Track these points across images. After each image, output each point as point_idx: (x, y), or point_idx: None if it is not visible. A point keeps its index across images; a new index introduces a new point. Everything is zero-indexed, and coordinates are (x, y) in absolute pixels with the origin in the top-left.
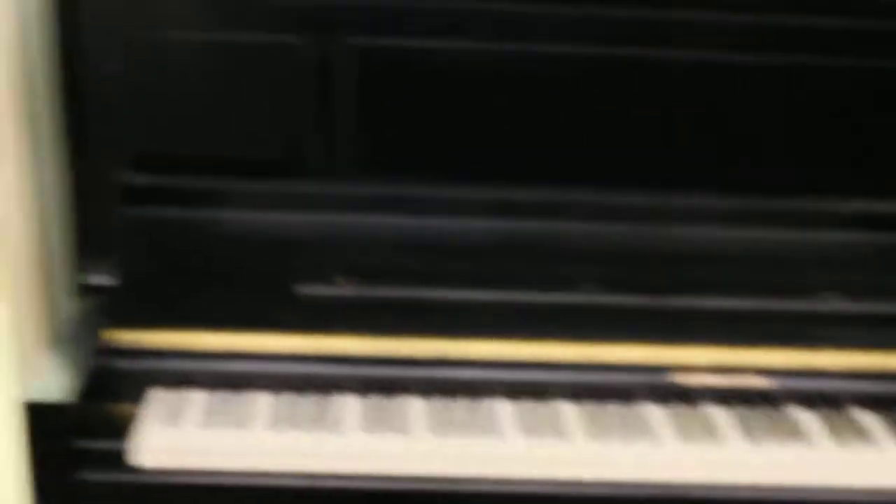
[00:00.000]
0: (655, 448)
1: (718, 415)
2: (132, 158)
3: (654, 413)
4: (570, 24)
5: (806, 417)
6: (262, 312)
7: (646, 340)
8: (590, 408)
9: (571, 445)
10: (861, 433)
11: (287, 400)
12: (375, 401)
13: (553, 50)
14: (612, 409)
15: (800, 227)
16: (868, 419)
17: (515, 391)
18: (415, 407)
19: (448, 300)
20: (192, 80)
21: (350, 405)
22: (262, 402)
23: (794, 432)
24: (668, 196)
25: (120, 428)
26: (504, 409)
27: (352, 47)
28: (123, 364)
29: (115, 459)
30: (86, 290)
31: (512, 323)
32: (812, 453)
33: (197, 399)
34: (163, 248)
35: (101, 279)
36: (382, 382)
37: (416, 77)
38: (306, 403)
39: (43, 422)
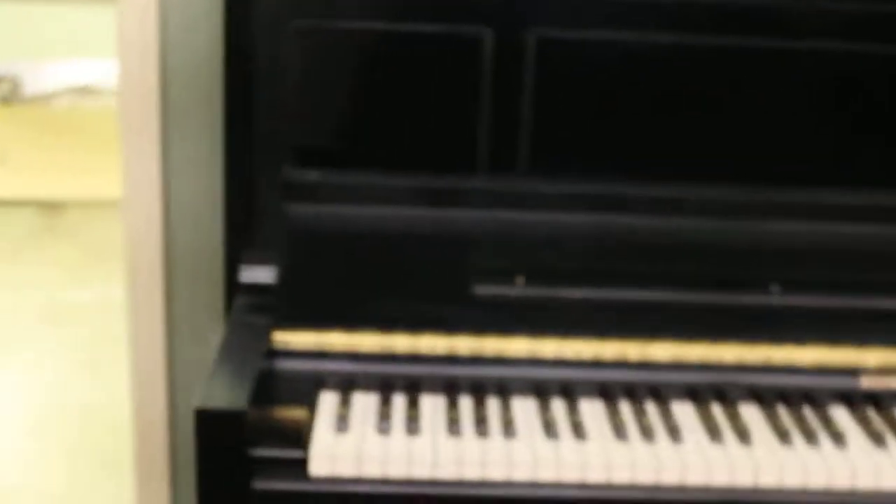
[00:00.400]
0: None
1: None
2: (298, 153)
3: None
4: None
5: None
6: (435, 312)
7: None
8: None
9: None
10: None
11: (461, 404)
12: (551, 403)
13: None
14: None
15: None
16: None
17: (695, 392)
18: (588, 411)
19: (627, 300)
20: (363, 72)
21: (524, 408)
22: (432, 407)
23: None
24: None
25: (292, 435)
26: (684, 412)
27: (531, 39)
28: (290, 366)
29: (289, 468)
30: (245, 289)
31: (689, 324)
32: None
33: (368, 403)
34: (329, 246)
35: (260, 276)
36: (557, 384)
37: (596, 70)
38: (479, 408)
39: (215, 429)
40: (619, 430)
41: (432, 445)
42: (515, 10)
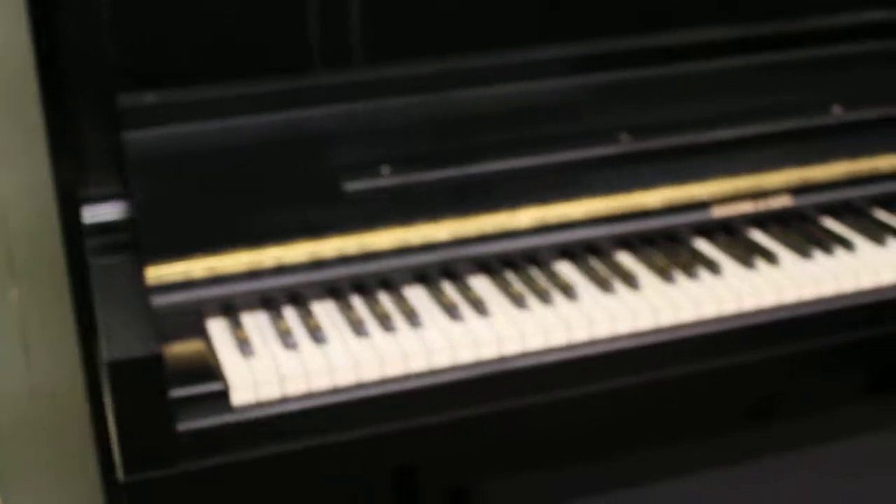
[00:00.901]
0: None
1: (763, 238)
2: (121, 78)
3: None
4: None
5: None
6: (306, 217)
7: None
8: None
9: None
10: None
11: (351, 304)
12: (442, 286)
13: None
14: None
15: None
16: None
17: (571, 250)
18: (479, 286)
19: (488, 172)
20: None
21: (416, 295)
22: (325, 313)
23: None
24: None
25: (202, 369)
26: (566, 269)
27: None
28: (168, 301)
29: (210, 403)
30: (91, 231)
31: (551, 185)
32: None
33: (260, 322)
34: (179, 169)
35: (106, 214)
36: (442, 266)
37: None
38: (374, 304)
39: (134, 379)
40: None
41: (346, 350)
42: None
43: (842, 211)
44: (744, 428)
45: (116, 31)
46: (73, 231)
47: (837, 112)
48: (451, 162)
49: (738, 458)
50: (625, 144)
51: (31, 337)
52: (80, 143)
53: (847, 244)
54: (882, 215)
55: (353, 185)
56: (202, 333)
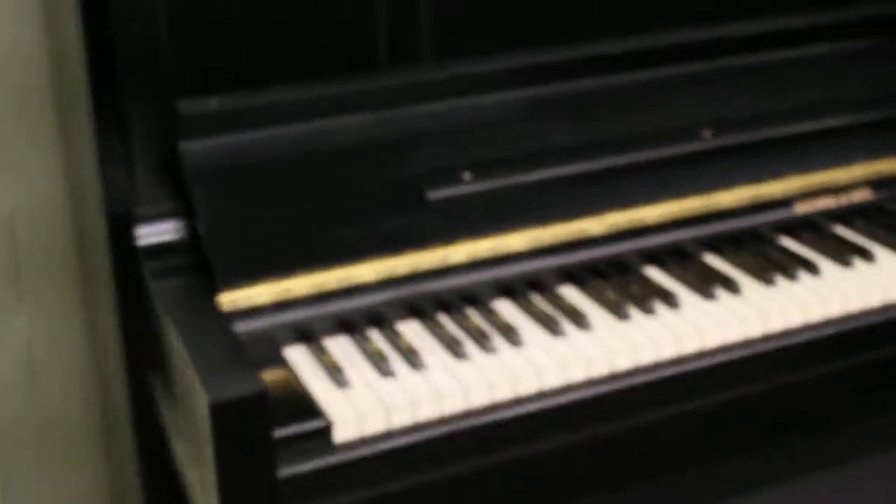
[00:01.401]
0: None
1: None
2: (173, 84)
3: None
4: None
5: None
6: (388, 230)
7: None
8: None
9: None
10: None
11: (441, 321)
12: (530, 298)
13: None
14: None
15: None
16: None
17: (658, 255)
18: (577, 299)
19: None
20: None
21: (509, 310)
22: (413, 333)
23: None
24: None
25: (301, 404)
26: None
27: None
28: (245, 329)
29: (312, 442)
30: (148, 253)
31: (627, 188)
32: None
33: (343, 347)
34: (246, 182)
35: (163, 235)
36: (525, 279)
37: None
38: (464, 321)
39: (239, 421)
40: (620, 312)
41: (450, 374)
42: None
43: None
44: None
45: (173, 28)
46: (123, 251)
47: None
48: (537, 163)
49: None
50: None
51: (38, 360)
52: (132, 153)
53: None
54: None
55: (436, 194)
56: (282, 364)
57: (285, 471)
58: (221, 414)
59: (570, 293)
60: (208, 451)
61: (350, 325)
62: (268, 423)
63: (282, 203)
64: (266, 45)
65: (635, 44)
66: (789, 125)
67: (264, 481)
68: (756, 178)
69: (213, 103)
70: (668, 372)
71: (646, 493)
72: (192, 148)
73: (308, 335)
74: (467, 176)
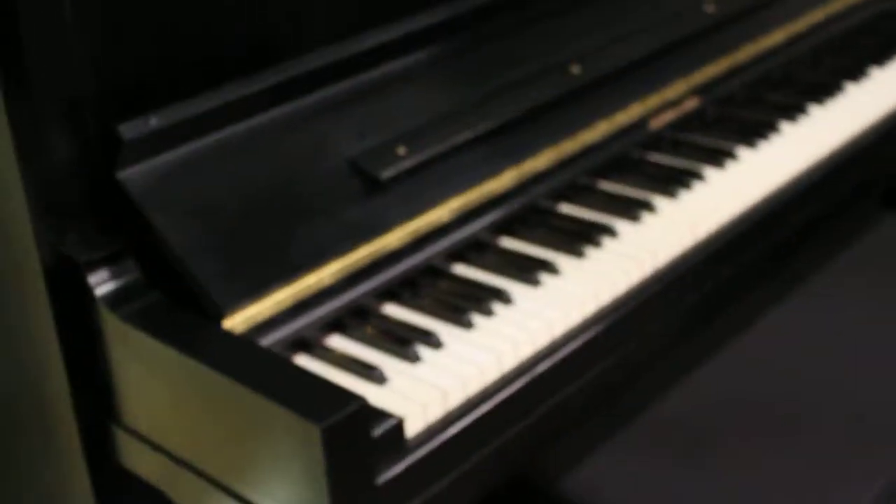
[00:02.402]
0: None
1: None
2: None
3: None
4: None
5: None
6: (350, 218)
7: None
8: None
9: None
10: None
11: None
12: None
13: None
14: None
15: None
16: None
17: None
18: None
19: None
20: None
21: (474, 272)
22: (406, 316)
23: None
24: None
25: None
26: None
27: None
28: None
29: (390, 442)
30: (113, 299)
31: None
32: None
33: (350, 345)
34: (199, 201)
35: (121, 278)
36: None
37: None
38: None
39: (348, 440)
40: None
41: (472, 345)
42: None
43: None
44: None
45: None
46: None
47: None
48: (461, 125)
49: None
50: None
51: None
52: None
53: None
54: None
55: (386, 173)
56: None
57: (382, 477)
58: (333, 437)
59: (514, 243)
60: (319, 476)
61: (339, 324)
62: (369, 434)
63: (240, 216)
64: (169, 59)
65: None
66: (631, 52)
67: (366, 489)
68: (620, 105)
69: (153, 122)
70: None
71: None
72: (133, 175)
73: (304, 343)
74: (402, 150)
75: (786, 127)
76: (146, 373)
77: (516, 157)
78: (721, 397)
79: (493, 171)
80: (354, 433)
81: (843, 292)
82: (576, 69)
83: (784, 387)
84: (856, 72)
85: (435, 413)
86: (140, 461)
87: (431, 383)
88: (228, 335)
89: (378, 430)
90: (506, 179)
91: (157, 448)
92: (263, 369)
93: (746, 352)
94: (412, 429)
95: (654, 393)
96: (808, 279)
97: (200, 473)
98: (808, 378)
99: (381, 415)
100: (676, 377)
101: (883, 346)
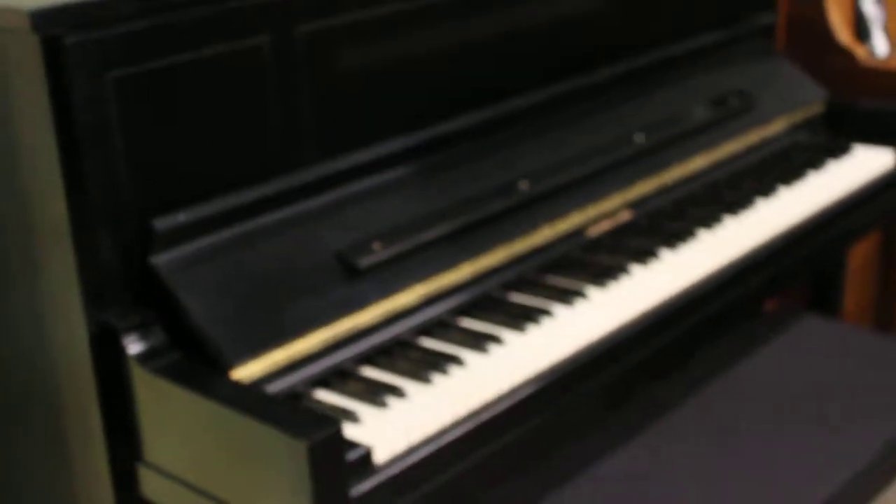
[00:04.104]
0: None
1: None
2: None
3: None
4: None
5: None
6: (336, 297)
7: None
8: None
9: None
10: None
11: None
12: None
13: None
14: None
15: None
16: None
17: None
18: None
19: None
20: (178, 108)
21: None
22: (379, 375)
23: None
24: None
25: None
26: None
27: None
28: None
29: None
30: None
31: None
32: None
33: (331, 397)
34: (212, 281)
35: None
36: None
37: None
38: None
39: (336, 458)
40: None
41: (432, 397)
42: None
43: None
44: None
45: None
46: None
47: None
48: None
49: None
50: None
51: None
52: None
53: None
54: None
55: (366, 261)
56: None
57: (355, 491)
58: (322, 454)
59: (470, 322)
60: (305, 488)
61: (325, 381)
62: (343, 458)
63: (247, 293)
64: (192, 172)
65: (464, 122)
66: (572, 172)
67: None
68: (561, 214)
69: (181, 217)
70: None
71: None
72: (164, 259)
73: (296, 396)
74: (378, 246)
75: (703, 234)
76: (168, 415)
77: (473, 254)
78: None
79: (453, 265)
80: (332, 452)
81: (753, 387)
82: (524, 185)
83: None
84: (767, 190)
85: (399, 445)
86: (160, 491)
87: (397, 423)
88: (235, 382)
89: (351, 456)
90: (464, 272)
91: (174, 479)
92: (261, 403)
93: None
94: (380, 457)
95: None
96: (718, 375)
97: (211, 497)
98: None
99: (353, 444)
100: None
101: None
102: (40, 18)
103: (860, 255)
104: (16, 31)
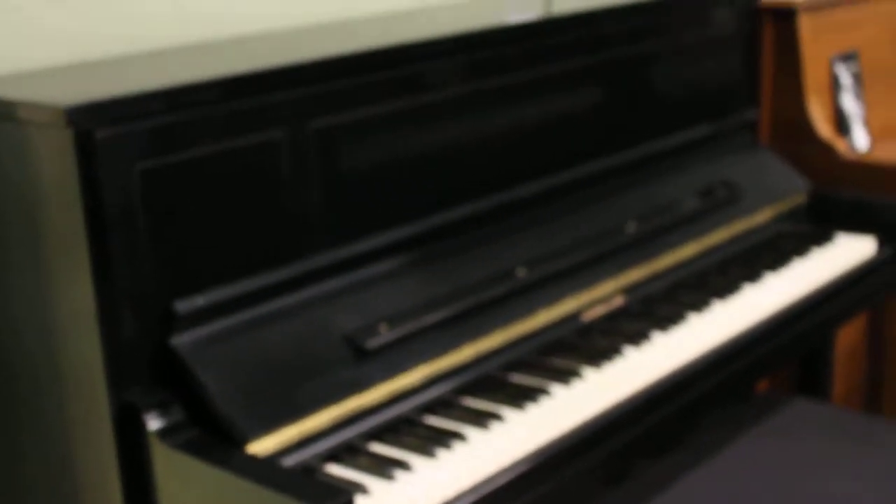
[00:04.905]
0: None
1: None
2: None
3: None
4: None
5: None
6: (345, 378)
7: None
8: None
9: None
10: None
11: (406, 440)
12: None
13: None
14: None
15: None
16: None
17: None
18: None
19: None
20: (202, 199)
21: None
22: (385, 450)
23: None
24: None
25: None
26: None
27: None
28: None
29: None
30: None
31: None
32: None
33: (343, 472)
34: (229, 359)
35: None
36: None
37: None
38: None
39: None
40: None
41: (439, 470)
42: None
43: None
44: None
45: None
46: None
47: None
48: (429, 309)
49: None
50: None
51: None
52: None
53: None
54: None
55: (372, 343)
56: None
57: None
58: None
59: (472, 401)
60: None
61: (336, 456)
62: None
63: (261, 373)
64: (210, 258)
65: (464, 212)
66: (568, 260)
67: None
68: (557, 299)
69: (200, 301)
70: None
71: None
72: (184, 340)
73: (309, 470)
74: (384, 328)
75: (693, 318)
76: (186, 488)
77: (474, 336)
78: None
79: (456, 347)
80: None
81: (745, 468)
82: (522, 272)
83: None
84: (754, 276)
85: None
86: None
87: (403, 495)
88: (251, 456)
89: None
90: (465, 353)
91: None
92: (278, 475)
93: None
94: None
95: None
96: (713, 455)
97: None
98: None
99: None
100: None
101: None
102: (74, 114)
103: (848, 338)
104: (50, 125)
